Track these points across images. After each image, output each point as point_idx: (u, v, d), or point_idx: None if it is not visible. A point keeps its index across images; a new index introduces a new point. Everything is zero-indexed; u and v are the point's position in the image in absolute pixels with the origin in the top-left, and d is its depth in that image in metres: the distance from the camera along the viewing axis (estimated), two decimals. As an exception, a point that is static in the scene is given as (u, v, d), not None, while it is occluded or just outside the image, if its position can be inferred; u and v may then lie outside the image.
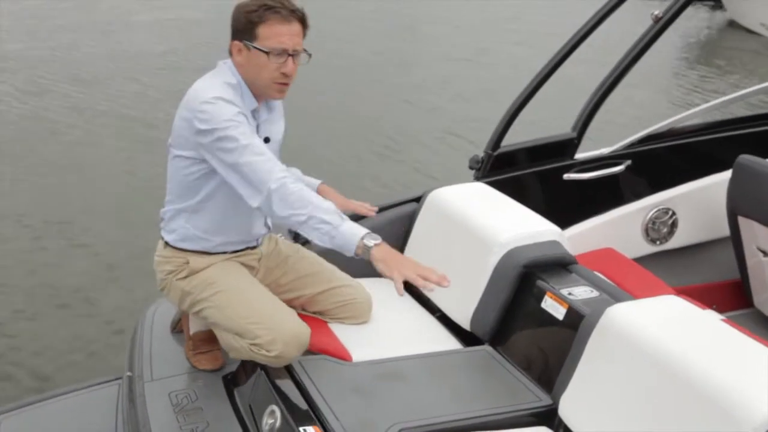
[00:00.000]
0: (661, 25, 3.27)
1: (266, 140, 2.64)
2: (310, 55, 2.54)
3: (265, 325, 2.50)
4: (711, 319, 2.32)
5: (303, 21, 2.50)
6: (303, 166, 2.95)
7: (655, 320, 2.25)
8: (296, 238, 3.12)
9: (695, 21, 15.60)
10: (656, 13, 3.26)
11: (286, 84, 2.52)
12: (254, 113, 2.58)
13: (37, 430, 2.86)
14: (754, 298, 3.62)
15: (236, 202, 2.56)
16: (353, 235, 2.28)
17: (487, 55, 12.24)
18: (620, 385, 2.20)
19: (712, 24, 16.02)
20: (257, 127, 2.61)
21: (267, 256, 2.82)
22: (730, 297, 3.67)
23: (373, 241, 2.27)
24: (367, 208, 2.95)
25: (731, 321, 2.62)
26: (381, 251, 2.26)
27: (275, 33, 2.43)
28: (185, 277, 2.63)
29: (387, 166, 7.43)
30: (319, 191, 2.84)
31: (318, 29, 3.22)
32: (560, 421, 2.38)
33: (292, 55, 2.47)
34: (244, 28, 2.47)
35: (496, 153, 3.48)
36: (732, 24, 15.53)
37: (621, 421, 2.16)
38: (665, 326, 2.22)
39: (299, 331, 2.54)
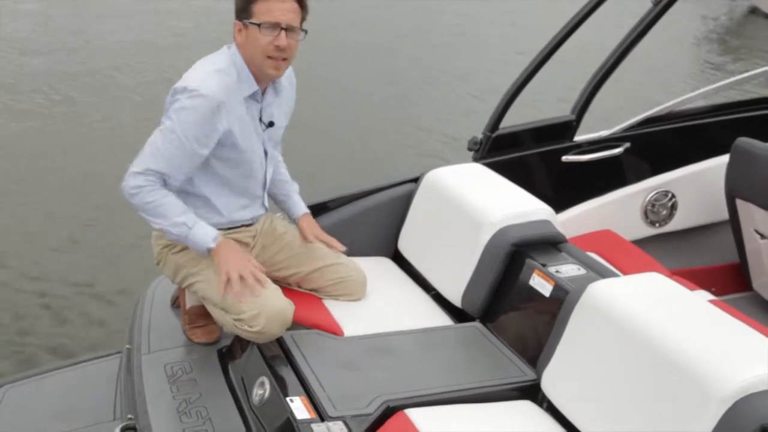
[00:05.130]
0: (660, 8, 3.28)
1: (270, 124, 2.72)
2: (305, 32, 2.61)
3: (250, 301, 2.56)
4: (693, 297, 2.34)
5: (300, 2, 2.58)
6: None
7: (634, 296, 2.28)
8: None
9: (714, 8, 15.41)
10: None
11: (280, 60, 2.58)
12: (256, 96, 2.64)
13: (40, 400, 2.94)
14: (753, 281, 3.63)
15: (230, 184, 2.68)
16: (203, 242, 2.60)
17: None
18: (599, 360, 2.23)
19: (733, 10, 15.81)
20: (261, 110, 2.68)
21: (262, 234, 2.87)
22: (730, 280, 3.68)
23: (214, 242, 2.61)
24: (338, 246, 2.99)
25: (725, 303, 2.64)
26: (216, 252, 2.61)
27: (268, 8, 2.52)
28: (180, 251, 2.70)
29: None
30: (300, 220, 2.99)
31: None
32: (543, 396, 2.42)
33: (285, 29, 2.54)
34: (242, 7, 2.57)
35: (494, 134, 3.50)
36: (754, 11, 15.34)
37: (598, 394, 2.20)
38: (644, 302, 2.24)
39: (283, 307, 2.60)
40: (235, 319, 2.57)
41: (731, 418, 1.87)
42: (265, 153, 2.74)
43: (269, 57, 2.56)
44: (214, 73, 2.55)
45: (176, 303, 3.04)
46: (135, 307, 3.11)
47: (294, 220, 3.00)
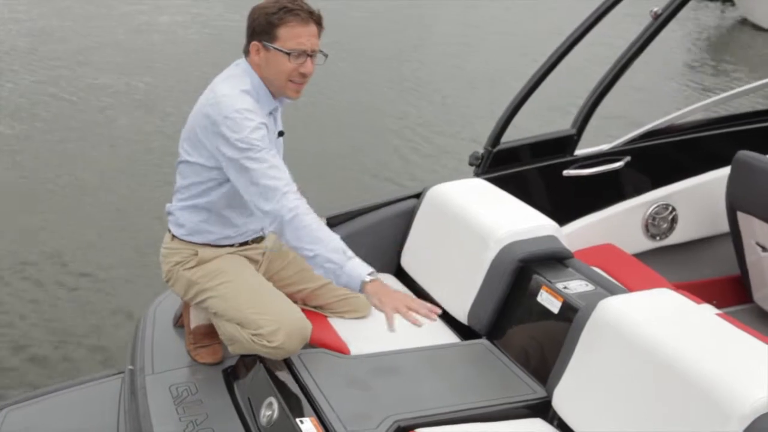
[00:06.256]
0: (660, 22, 3.28)
1: (281, 134, 2.72)
2: (326, 56, 2.61)
3: (269, 316, 2.55)
4: (703, 312, 2.34)
5: (319, 23, 2.58)
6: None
7: (646, 313, 2.27)
8: None
9: (705, 19, 15.51)
10: (655, 9, 3.27)
11: (302, 84, 2.59)
12: (274, 111, 2.65)
13: (40, 422, 2.91)
14: (753, 293, 3.63)
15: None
16: (358, 275, 2.37)
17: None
18: (611, 377, 2.22)
19: (723, 22, 15.92)
20: (275, 122, 2.68)
21: (270, 250, 2.86)
22: (730, 292, 3.69)
23: (370, 276, 2.36)
24: None
25: (730, 316, 2.64)
26: (374, 286, 2.37)
27: (295, 35, 2.51)
28: (192, 267, 2.68)
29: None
30: None
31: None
32: (554, 413, 2.40)
33: (310, 56, 2.54)
34: (263, 30, 2.53)
35: (495, 149, 3.50)
36: (744, 22, 15.44)
37: (612, 412, 2.19)
38: (656, 319, 2.24)
39: (302, 324, 2.59)
40: (253, 334, 2.56)
41: None
42: None
43: (292, 81, 2.56)
44: (245, 95, 2.53)
45: (179, 322, 3.01)
46: (137, 326, 3.08)
47: None
